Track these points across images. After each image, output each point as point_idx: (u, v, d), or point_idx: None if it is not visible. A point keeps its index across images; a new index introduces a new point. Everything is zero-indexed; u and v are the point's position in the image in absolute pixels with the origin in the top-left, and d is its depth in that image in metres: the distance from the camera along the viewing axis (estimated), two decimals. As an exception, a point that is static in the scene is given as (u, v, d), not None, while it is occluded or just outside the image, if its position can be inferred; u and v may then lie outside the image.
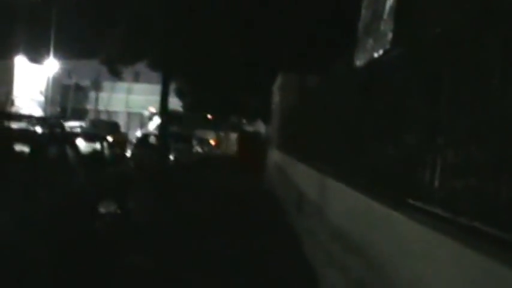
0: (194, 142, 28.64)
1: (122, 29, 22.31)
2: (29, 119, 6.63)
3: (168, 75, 11.65)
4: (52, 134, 5.68)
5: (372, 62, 4.13)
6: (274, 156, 17.28)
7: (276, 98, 19.04)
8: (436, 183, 2.43)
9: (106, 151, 9.40)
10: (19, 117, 6.80)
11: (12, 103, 33.83)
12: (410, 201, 2.77)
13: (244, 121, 45.31)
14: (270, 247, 8.00)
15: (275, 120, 18.83)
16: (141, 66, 28.42)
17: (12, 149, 5.37)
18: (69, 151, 6.10)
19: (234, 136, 37.25)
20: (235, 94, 29.37)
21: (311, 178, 7.56)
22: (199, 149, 30.44)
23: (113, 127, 28.08)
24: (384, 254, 3.18)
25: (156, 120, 39.29)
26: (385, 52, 3.72)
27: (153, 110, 41.01)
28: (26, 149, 5.40)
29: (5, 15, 28.75)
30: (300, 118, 10.67)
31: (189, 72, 25.11)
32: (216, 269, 6.44)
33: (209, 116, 41.89)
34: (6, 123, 6.03)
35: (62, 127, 6.70)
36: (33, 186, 4.59)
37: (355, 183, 4.24)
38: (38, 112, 36.07)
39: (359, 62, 4.55)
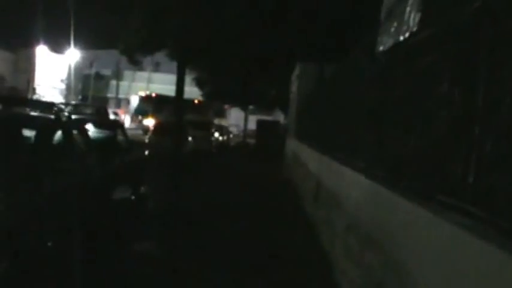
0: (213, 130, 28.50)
1: (139, 18, 22.29)
2: (35, 104, 6.47)
3: (184, 63, 11.39)
4: (58, 120, 5.49)
5: (396, 46, 3.85)
6: (292, 145, 17.13)
7: (294, 87, 18.86)
8: (471, 177, 2.16)
9: (119, 138, 9.26)
10: (24, 102, 6.62)
11: (33, 91, 34.13)
12: (441, 197, 2.50)
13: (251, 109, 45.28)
14: (287, 237, 7.80)
15: (293, 109, 18.68)
16: (161, 57, 28.49)
17: (18, 135, 5.21)
18: (78, 138, 5.94)
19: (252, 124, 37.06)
20: (254, 83, 29.15)
21: (328, 168, 7.32)
22: (219, 137, 30.28)
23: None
24: (408, 255, 2.92)
25: (134, 102, 39.75)
26: (411, 34, 3.43)
27: (142, 94, 40.66)
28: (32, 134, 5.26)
29: (26, 4, 28.89)
30: (318, 107, 10.42)
31: (208, 60, 24.95)
32: (229, 262, 6.24)
33: (196, 101, 41.29)
34: (14, 109, 5.87)
35: (70, 113, 6.52)
36: (34, 173, 4.42)
37: (375, 175, 3.98)
38: (59, 100, 36.38)
39: (382, 47, 4.26)
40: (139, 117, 36.07)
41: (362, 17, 8.45)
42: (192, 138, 21.23)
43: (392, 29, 3.97)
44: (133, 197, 9.02)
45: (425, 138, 2.95)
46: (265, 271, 5.93)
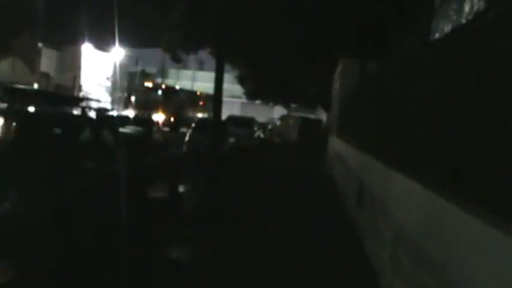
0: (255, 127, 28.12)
1: (181, 15, 22.32)
2: (65, 101, 6.22)
3: (223, 60, 11.07)
4: (84, 117, 5.22)
5: (455, 32, 3.31)
6: (334, 143, 16.65)
7: (336, 84, 18.36)
8: None
9: (155, 135, 9.01)
10: (53, 98, 6.39)
11: (79, 88, 34.74)
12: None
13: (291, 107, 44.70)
14: (328, 242, 7.32)
15: (335, 107, 18.19)
16: (205, 55, 28.42)
17: (47, 132, 4.95)
18: (108, 135, 5.66)
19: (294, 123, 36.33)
20: (297, 81, 28.68)
21: (373, 169, 6.78)
22: (261, 134, 29.89)
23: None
24: (467, 275, 2.41)
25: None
26: (476, 16, 2.90)
27: (149, 84, 37.65)
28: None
29: (71, 2, 29.37)
30: (362, 105, 9.86)
31: (250, 57, 24.67)
32: (267, 265, 5.81)
33: (198, 93, 40.31)
34: (44, 106, 5.64)
35: (99, 110, 6.24)
36: (57, 170, 4.14)
37: (430, 181, 3.45)
38: (105, 97, 36.92)
39: (438, 34, 3.72)
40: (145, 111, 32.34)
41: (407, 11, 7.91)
42: (233, 135, 20.95)
43: (452, 12, 3.43)
44: (169, 197, 8.77)
45: (496, 137, 2.43)
46: (304, 280, 5.47)
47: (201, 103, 39.90)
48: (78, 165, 4.49)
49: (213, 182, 10.17)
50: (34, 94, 6.30)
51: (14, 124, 4.43)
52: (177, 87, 42.26)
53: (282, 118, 44.10)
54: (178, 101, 35.28)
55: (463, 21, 3.09)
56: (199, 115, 35.44)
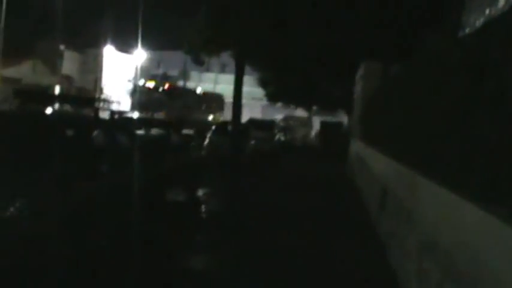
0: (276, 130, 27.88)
1: (203, 18, 22.28)
2: (74, 101, 6.08)
3: (242, 62, 10.93)
4: (96, 119, 5.07)
5: (490, 25, 3.06)
6: (356, 146, 16.36)
7: (358, 87, 18.08)
8: None
9: (173, 138, 8.86)
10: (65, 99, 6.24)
11: (101, 90, 34.91)
12: None
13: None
14: (349, 249, 7.06)
15: (357, 110, 17.90)
16: (227, 58, 28.24)
17: (55, 133, 4.82)
18: (123, 137, 5.52)
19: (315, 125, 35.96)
20: (318, 84, 28.36)
21: (398, 174, 6.50)
22: (281, 137, 29.61)
23: None
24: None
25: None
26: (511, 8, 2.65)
27: (150, 84, 34.90)
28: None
29: (93, 5, 29.57)
30: (385, 107, 9.56)
31: (271, 60, 24.47)
32: (285, 276, 5.58)
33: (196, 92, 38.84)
34: (57, 107, 5.52)
35: (116, 113, 6.09)
36: (66, 173, 3.99)
37: (462, 188, 3.20)
38: (127, 100, 37.04)
39: (469, 28, 3.47)
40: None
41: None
42: (254, 139, 20.77)
43: (484, 5, 3.17)
44: (187, 201, 8.61)
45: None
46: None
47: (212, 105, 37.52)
48: (89, 168, 4.34)
49: (232, 187, 10.01)
50: (46, 95, 6.19)
51: (21, 125, 4.31)
52: (199, 88, 41.10)
53: (284, 119, 43.85)
54: (182, 101, 33.31)
55: (497, 13, 2.84)
56: (209, 117, 33.78)
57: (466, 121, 3.34)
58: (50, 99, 5.66)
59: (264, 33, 19.91)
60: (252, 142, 20.39)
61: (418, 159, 5.05)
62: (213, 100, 34.66)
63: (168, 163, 7.86)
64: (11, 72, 25.84)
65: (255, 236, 7.19)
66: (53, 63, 29.38)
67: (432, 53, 5.09)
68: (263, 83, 36.09)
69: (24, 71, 26.40)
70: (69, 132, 4.63)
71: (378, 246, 7.01)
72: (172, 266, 5.45)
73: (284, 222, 8.47)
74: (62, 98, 6.29)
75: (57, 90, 25.60)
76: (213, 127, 22.43)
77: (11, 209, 3.56)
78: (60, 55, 30.22)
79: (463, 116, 3.44)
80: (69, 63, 29.55)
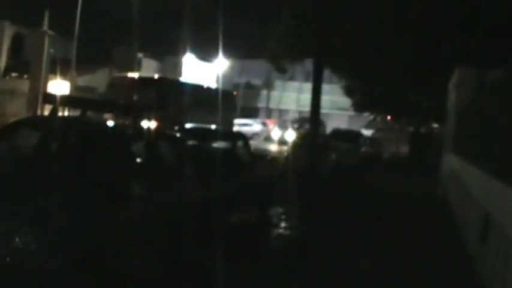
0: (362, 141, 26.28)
1: (285, 25, 21.80)
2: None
3: (321, 70, 10.01)
4: (135, 130, 4.33)
5: None
6: (449, 160, 14.84)
7: (451, 96, 16.53)
8: None
9: (241, 151, 8.05)
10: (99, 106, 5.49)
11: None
12: None
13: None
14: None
15: (450, 121, 16.31)
16: (312, 66, 27.33)
17: (73, 147, 4.15)
18: (170, 152, 4.77)
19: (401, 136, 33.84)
20: (407, 93, 26.70)
21: (504, 200, 5.26)
22: (368, 149, 27.92)
23: None
24: None
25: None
26: None
27: (133, 75, 22.95)
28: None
29: (172, 13, 29.71)
30: (484, 118, 8.21)
31: (356, 68, 23.37)
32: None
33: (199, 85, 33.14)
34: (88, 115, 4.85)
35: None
36: (86, 197, 3.28)
37: None
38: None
39: None
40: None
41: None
42: (337, 151, 19.57)
43: None
44: (255, 224, 7.83)
45: None
46: None
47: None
48: (116, 191, 3.61)
49: (306, 207, 9.05)
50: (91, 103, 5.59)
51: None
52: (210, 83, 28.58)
53: (371, 129, 41.79)
54: (180, 101, 20.83)
55: None
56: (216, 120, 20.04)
57: None
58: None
59: (346, 40, 18.95)
60: (335, 155, 19.22)
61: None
62: (219, 98, 23.10)
63: (233, 179, 7.06)
64: (85, 80, 26.19)
65: (331, 273, 6.08)
66: (129, 71, 29.73)
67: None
68: (349, 91, 34.68)
69: (99, 79, 26.66)
70: (90, 146, 3.96)
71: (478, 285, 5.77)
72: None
73: (367, 252, 7.32)
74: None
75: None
76: (295, 139, 21.54)
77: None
78: (138, 63, 30.33)
79: None
80: (148, 71, 29.52)
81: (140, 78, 20.66)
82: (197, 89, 23.34)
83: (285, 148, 20.50)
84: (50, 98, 4.79)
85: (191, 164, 5.21)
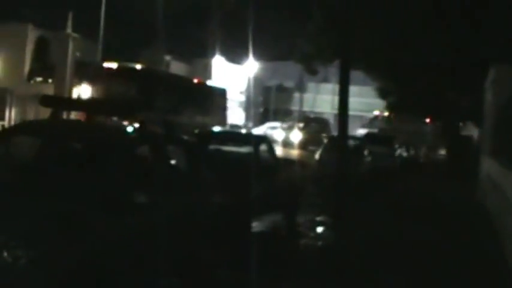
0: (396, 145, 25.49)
1: (316, 26, 21.50)
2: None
3: (347, 72, 9.63)
4: (143, 134, 4.06)
5: None
6: (487, 165, 14.09)
7: (488, 96, 15.74)
8: None
9: (266, 156, 7.73)
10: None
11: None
12: None
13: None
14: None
15: (488, 122, 15.49)
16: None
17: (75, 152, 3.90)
18: (184, 157, 4.49)
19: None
20: (443, 93, 25.90)
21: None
22: (403, 153, 27.11)
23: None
24: None
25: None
26: None
27: (111, 65, 19.73)
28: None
29: (202, 15, 29.41)
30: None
31: (388, 68, 22.80)
32: None
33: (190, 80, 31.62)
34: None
35: (169, 126, 4.96)
36: (85, 205, 3.03)
37: None
38: (239, 112, 36.57)
39: None
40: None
41: None
42: (371, 155, 18.94)
43: None
44: (282, 232, 7.54)
45: None
46: None
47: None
48: (119, 199, 3.35)
49: (335, 216, 8.65)
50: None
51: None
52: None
53: (406, 132, 40.57)
54: (166, 96, 17.83)
55: None
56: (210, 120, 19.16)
57: None
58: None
59: (381, 40, 18.45)
60: (369, 159, 18.62)
61: None
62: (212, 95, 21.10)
63: (257, 185, 6.75)
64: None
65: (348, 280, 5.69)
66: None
67: None
68: (383, 93, 33.93)
69: (126, 82, 26.52)
70: (92, 151, 3.71)
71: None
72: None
73: (400, 266, 6.84)
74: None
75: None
76: (325, 141, 20.98)
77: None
78: (166, 65, 30.11)
79: None
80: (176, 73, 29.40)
81: (119, 68, 17.16)
82: (187, 84, 20.94)
83: (292, 151, 19.61)
84: (48, 101, 4.56)
85: (208, 170, 4.94)
